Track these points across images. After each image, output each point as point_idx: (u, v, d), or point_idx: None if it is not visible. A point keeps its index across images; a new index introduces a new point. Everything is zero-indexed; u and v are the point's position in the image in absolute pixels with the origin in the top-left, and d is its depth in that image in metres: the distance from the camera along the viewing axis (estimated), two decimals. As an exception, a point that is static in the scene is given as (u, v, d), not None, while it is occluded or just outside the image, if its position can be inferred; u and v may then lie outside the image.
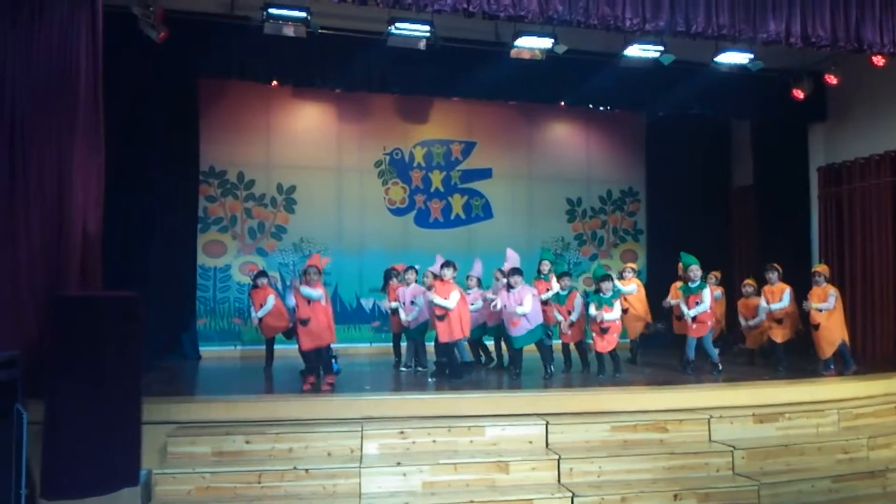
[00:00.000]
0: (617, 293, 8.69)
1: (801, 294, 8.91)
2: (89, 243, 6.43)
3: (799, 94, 10.64)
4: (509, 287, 8.11)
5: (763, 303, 9.04)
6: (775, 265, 9.11)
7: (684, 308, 8.77)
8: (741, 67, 9.59)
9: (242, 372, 9.65)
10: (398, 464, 6.17)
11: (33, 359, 5.65)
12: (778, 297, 8.91)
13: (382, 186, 12.02)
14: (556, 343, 8.97)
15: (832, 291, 8.69)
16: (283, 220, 11.54)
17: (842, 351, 8.71)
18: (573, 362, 9.04)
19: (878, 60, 8.89)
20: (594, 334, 8.53)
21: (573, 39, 8.95)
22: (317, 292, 7.58)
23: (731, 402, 7.39)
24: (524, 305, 7.96)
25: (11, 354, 5.35)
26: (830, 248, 11.18)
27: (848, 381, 8.22)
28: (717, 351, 8.90)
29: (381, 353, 11.00)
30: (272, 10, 8.08)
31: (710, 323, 8.73)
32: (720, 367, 8.69)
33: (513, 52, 9.08)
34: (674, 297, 9.25)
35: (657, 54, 9.15)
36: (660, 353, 10.24)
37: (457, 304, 8.01)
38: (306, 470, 6.01)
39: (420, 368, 8.92)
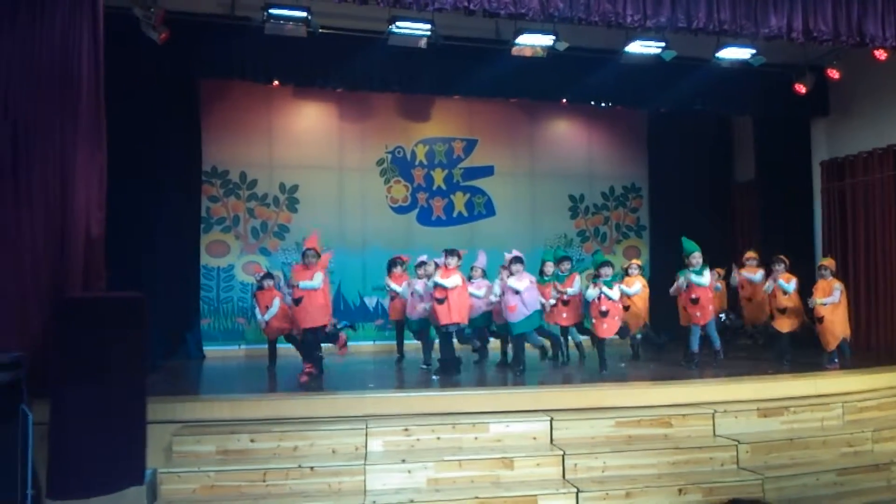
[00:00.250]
0: (617, 276, 8.69)
1: (805, 288, 8.91)
2: (92, 244, 6.45)
3: (801, 88, 10.61)
4: (510, 274, 8.16)
5: (769, 282, 8.98)
6: (781, 257, 9.10)
7: (690, 277, 8.67)
8: (743, 63, 9.60)
9: (246, 371, 9.68)
10: (403, 461, 6.17)
11: (38, 360, 5.66)
12: (786, 282, 8.88)
13: (384, 185, 12.03)
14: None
15: (837, 285, 8.70)
16: (286, 220, 11.55)
17: (841, 344, 8.75)
18: (571, 356, 9.04)
19: (880, 54, 8.87)
20: (594, 319, 8.50)
21: (574, 36, 8.95)
22: (314, 282, 7.60)
23: (736, 397, 7.39)
24: (520, 283, 8.00)
25: (16, 356, 5.37)
26: (834, 242, 11.18)
27: (852, 374, 8.21)
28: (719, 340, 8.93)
29: (384, 351, 11.01)
30: (273, 11, 8.10)
31: (711, 308, 8.71)
32: (721, 355, 8.69)
33: (514, 50, 9.10)
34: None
35: (659, 50, 9.16)
36: (662, 346, 10.21)
37: (455, 287, 8.00)
38: (311, 468, 6.01)
39: (423, 365, 8.93)
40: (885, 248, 10.26)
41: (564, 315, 8.84)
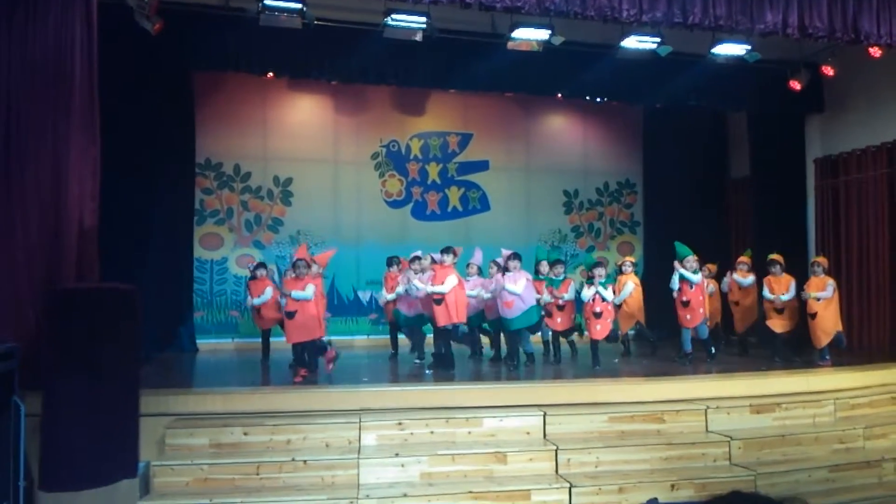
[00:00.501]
0: (611, 278, 8.71)
1: (798, 285, 8.92)
2: (86, 236, 6.42)
3: (796, 85, 10.62)
4: (506, 270, 8.14)
5: (767, 293, 9.00)
6: (776, 258, 9.08)
7: (685, 274, 8.68)
8: (738, 59, 9.59)
9: (240, 364, 9.67)
10: (396, 455, 6.18)
11: (31, 351, 5.64)
12: (785, 288, 8.90)
13: (379, 179, 12.01)
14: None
15: (830, 282, 8.74)
16: (280, 213, 11.53)
17: (838, 339, 8.77)
18: (562, 354, 9.06)
19: (875, 52, 8.86)
20: (587, 320, 8.54)
21: (570, 31, 8.94)
22: (306, 293, 7.57)
23: (728, 393, 7.41)
24: (517, 286, 7.98)
25: (9, 347, 5.34)
26: (827, 239, 11.21)
27: (844, 371, 8.25)
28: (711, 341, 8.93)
29: (378, 346, 11.01)
30: (268, 2, 8.04)
31: (701, 311, 8.73)
32: (714, 353, 8.71)
33: (509, 44, 9.06)
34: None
35: (654, 46, 9.15)
36: (655, 344, 10.23)
37: (452, 288, 7.97)
38: (304, 461, 6.01)
39: (417, 360, 8.92)
40: (877, 245, 10.28)
41: (559, 320, 8.84)
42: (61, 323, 5.53)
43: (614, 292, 8.80)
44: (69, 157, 6.27)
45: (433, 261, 8.46)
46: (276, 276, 9.36)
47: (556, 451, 6.40)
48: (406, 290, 8.68)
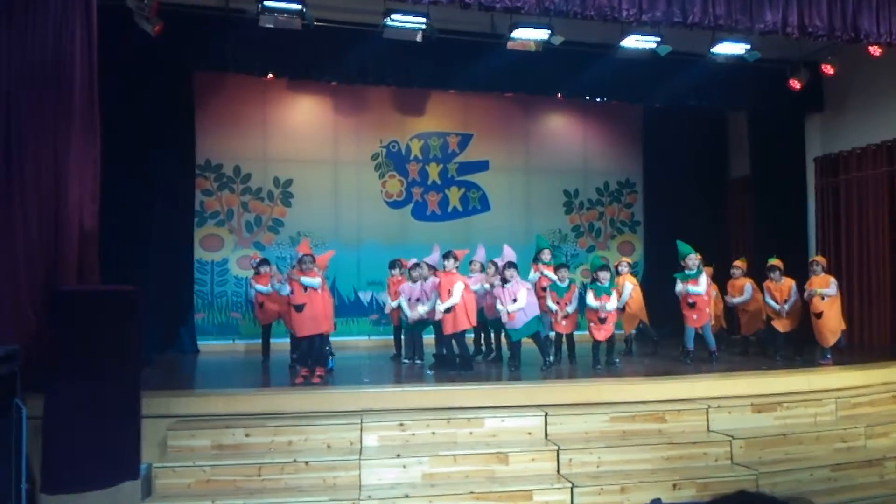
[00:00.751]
0: (613, 283, 8.71)
1: (799, 285, 8.92)
2: (86, 238, 6.41)
3: (796, 84, 10.61)
4: (504, 282, 8.11)
5: (770, 302, 8.98)
6: (775, 264, 9.05)
7: (687, 287, 8.68)
8: (738, 58, 9.57)
9: (241, 365, 9.67)
10: (398, 456, 6.18)
11: (32, 353, 5.63)
12: (786, 294, 8.89)
13: (379, 179, 12.00)
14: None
15: (833, 280, 8.75)
16: (280, 214, 11.53)
17: (838, 338, 8.79)
18: (563, 354, 9.06)
19: (875, 50, 8.87)
20: (591, 323, 8.55)
21: (570, 31, 8.93)
22: (315, 280, 7.59)
23: (730, 392, 7.41)
24: (518, 301, 7.96)
25: (10, 349, 5.33)
26: (827, 238, 11.21)
27: (845, 370, 8.25)
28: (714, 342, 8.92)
29: (379, 346, 11.02)
30: (267, 3, 8.04)
31: (707, 311, 8.73)
32: (716, 356, 8.72)
33: (509, 44, 9.05)
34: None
35: (654, 45, 9.14)
36: (658, 343, 10.23)
37: (461, 295, 7.98)
38: (306, 462, 6.01)
39: (418, 361, 8.92)
40: (877, 244, 10.29)
41: (563, 323, 8.81)
42: (62, 325, 5.53)
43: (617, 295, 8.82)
44: (69, 158, 6.26)
45: (429, 267, 8.46)
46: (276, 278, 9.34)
47: (557, 451, 6.40)
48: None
